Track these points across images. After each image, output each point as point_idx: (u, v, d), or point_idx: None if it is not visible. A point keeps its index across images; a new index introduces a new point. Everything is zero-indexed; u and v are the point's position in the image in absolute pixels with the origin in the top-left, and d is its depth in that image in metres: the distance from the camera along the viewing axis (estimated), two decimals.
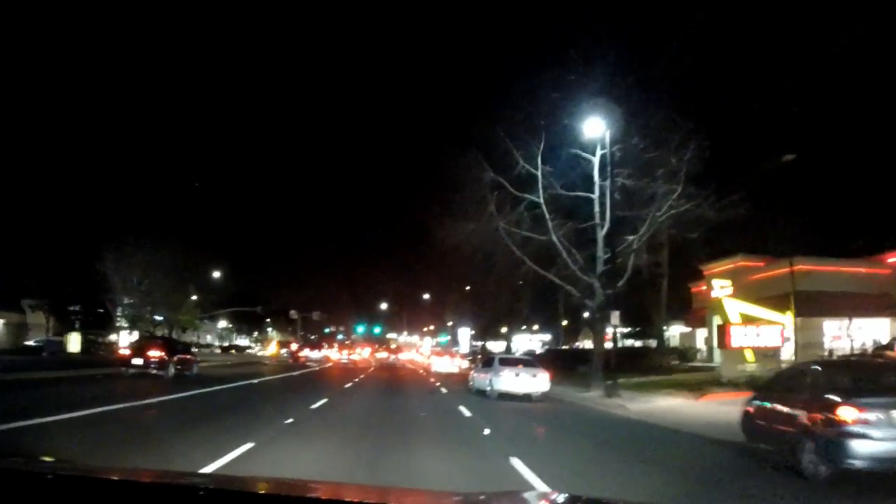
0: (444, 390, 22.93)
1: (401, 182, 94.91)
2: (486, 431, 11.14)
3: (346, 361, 59.53)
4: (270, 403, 15.14)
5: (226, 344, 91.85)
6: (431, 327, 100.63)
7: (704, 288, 37.93)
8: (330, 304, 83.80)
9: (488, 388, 19.20)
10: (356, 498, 2.10)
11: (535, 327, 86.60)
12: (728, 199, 20.66)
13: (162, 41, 62.59)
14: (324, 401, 15.47)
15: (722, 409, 17.61)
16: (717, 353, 37.17)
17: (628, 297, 50.82)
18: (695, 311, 40.55)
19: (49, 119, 50.23)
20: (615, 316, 20.18)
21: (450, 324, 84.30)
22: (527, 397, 18.56)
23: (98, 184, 54.86)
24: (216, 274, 69.54)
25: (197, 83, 73.57)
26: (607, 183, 21.85)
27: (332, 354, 64.22)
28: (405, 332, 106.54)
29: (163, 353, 22.34)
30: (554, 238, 21.96)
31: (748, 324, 23.56)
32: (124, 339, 60.26)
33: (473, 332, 75.69)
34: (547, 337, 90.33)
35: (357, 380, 27.74)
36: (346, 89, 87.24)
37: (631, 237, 22.47)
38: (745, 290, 36.32)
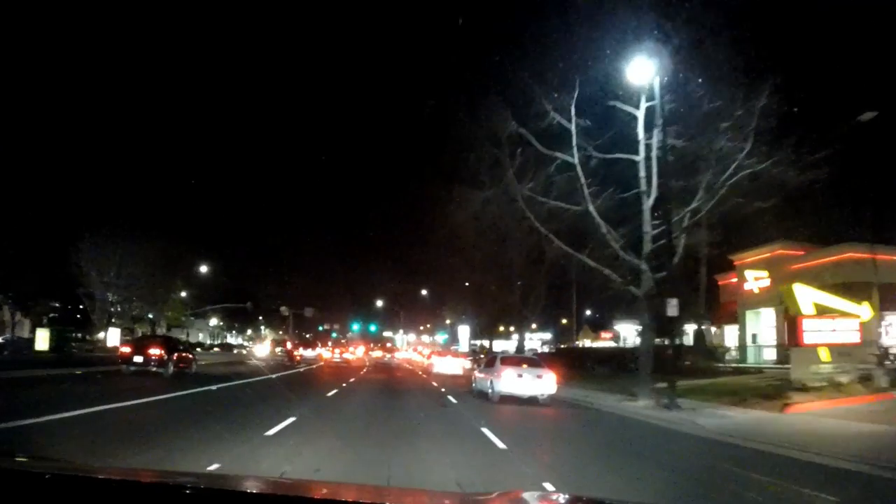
0: (452, 399, 17.98)
1: (400, 163, 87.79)
2: (549, 486, 6.33)
3: (338, 360, 54.35)
4: (211, 425, 10.07)
5: (216, 342, 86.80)
6: (428, 325, 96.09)
7: (735, 280, 33.31)
8: (324, 302, 78.69)
9: (489, 391, 17.41)
10: (355, 498, 2.09)
11: (534, 326, 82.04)
12: (814, 157, 15.81)
13: (148, 29, 57.52)
14: (290, 420, 10.49)
15: (829, 424, 12.96)
16: (750, 353, 32.57)
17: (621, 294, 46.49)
18: (723, 306, 35.83)
19: (28, 105, 45.23)
20: (673, 305, 15.36)
21: (448, 322, 79.91)
22: (532, 400, 16.83)
23: (78, 173, 49.86)
24: (205, 270, 64.21)
25: (188, 72, 68.66)
26: (654, 141, 17.12)
27: (325, 353, 59.08)
28: (401, 331, 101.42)
29: (162, 352, 22.11)
30: (591, 208, 17.08)
31: (823, 316, 18.85)
32: (112, 338, 55.74)
33: (470, 330, 71.26)
34: (547, 335, 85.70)
35: (346, 384, 22.63)
36: (337, 47, 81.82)
37: (681, 213, 17.60)
38: (784, 282, 31.72)
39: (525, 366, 17.64)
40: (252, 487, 2.27)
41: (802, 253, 30.73)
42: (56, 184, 44.16)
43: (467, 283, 48.18)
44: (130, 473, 2.43)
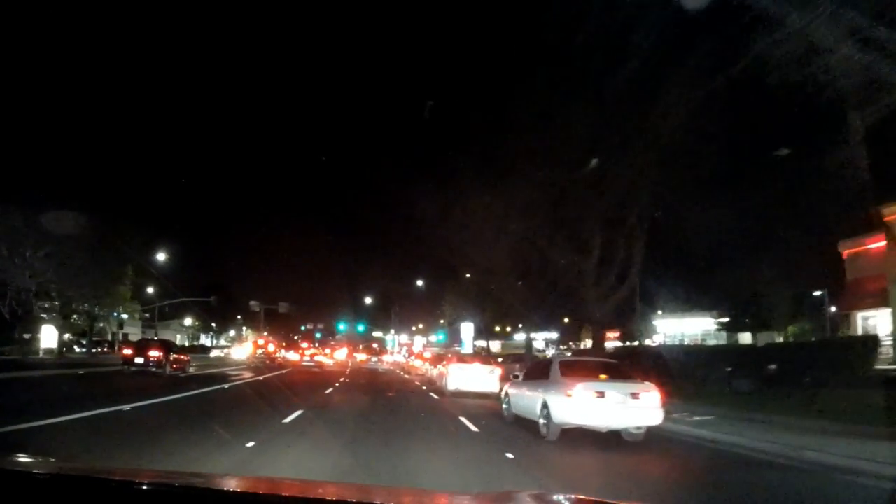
0: None
1: (395, 128, 73.66)
2: None
3: (309, 364, 40.97)
4: None
5: (192, 343, 74.28)
6: (421, 326, 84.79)
7: (884, 244, 22.14)
8: (311, 300, 66.94)
9: (543, 420, 9.79)
10: (356, 498, 1.98)
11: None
12: None
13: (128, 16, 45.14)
14: None
15: None
16: None
17: (702, 268, 34.34)
18: (851, 285, 24.55)
19: None
20: None
21: (442, 321, 68.79)
22: (621, 435, 9.59)
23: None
24: (173, 261, 51.21)
25: (165, 54, 56.12)
26: None
27: (291, 356, 46.64)
28: (392, 331, 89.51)
29: (161, 354, 23.01)
30: None
31: None
32: (47, 338, 44.01)
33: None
34: (553, 335, 74.46)
35: (267, 436, 8.33)
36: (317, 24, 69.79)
37: None
38: None
39: (606, 376, 9.97)
40: (251, 488, 2.20)
41: None
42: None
43: (474, 272, 37.14)
44: (130, 473, 2.20)
